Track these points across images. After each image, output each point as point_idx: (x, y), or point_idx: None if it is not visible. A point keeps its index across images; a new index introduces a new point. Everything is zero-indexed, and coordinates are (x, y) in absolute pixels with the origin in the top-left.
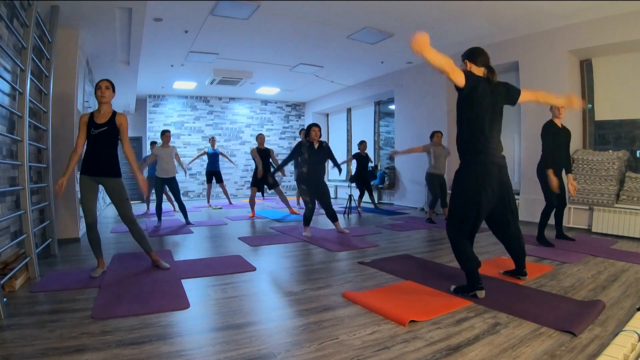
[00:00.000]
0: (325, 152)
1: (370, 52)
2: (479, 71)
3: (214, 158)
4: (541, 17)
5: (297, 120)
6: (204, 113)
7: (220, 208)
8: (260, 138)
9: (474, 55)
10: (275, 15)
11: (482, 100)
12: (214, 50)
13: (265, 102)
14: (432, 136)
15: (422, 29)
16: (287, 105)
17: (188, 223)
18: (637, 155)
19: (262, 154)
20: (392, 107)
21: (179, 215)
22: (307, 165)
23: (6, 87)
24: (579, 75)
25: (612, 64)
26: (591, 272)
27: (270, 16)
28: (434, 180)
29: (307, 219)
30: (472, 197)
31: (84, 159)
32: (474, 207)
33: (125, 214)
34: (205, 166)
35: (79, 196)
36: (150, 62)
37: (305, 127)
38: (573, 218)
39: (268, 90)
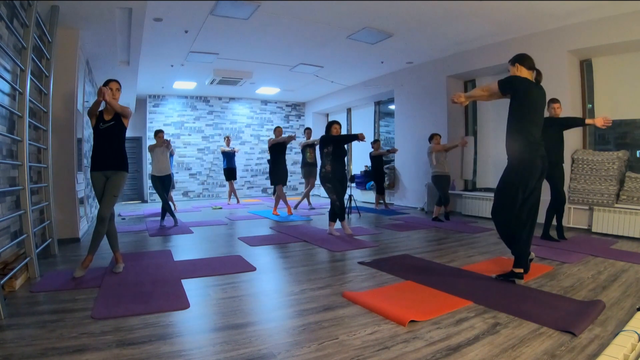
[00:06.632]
0: (344, 148)
1: (370, 52)
2: (528, 74)
3: (230, 156)
4: (541, 17)
5: (297, 120)
6: (204, 113)
7: (220, 208)
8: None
9: (523, 59)
10: (275, 15)
11: (532, 99)
12: (214, 50)
13: (265, 102)
14: (431, 138)
15: (422, 29)
16: (287, 105)
17: (161, 225)
18: (637, 155)
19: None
20: (392, 107)
21: (178, 216)
22: (331, 162)
23: (6, 87)
24: (579, 75)
25: (612, 64)
26: (591, 272)
27: (270, 16)
28: (441, 180)
29: (333, 216)
30: (521, 176)
31: (93, 155)
32: (524, 185)
33: (103, 208)
34: (222, 165)
35: (93, 193)
36: (150, 62)
37: (326, 124)
38: (573, 218)
39: (268, 90)
